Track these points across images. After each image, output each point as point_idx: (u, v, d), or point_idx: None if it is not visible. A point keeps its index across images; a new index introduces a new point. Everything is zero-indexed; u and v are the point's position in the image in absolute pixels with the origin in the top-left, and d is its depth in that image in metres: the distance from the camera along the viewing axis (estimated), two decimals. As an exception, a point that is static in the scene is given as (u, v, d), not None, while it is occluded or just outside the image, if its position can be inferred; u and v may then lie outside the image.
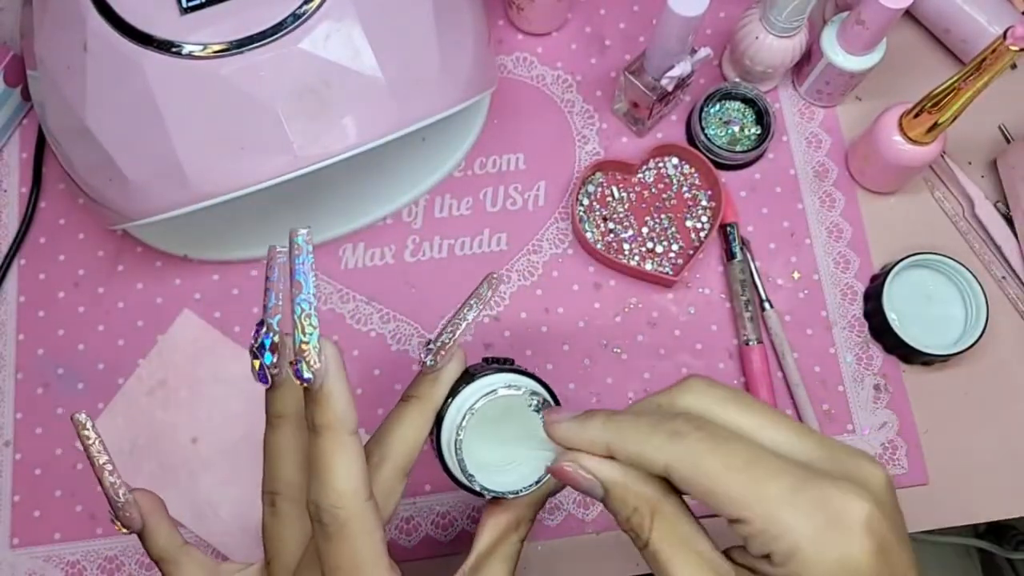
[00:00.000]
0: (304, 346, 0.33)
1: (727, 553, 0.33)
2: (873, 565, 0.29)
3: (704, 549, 0.32)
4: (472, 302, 0.38)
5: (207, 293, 0.62)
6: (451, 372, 0.39)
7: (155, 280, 0.62)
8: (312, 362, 0.32)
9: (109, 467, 0.35)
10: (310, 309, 0.34)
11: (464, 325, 0.38)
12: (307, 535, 0.37)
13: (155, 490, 0.59)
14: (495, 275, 0.38)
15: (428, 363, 0.38)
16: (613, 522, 0.58)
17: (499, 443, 0.41)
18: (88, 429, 0.34)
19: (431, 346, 0.39)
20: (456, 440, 0.39)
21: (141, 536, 0.37)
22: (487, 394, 0.38)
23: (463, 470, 0.39)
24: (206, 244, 0.61)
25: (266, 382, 0.35)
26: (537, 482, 0.40)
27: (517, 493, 0.40)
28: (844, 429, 0.60)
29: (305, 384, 0.32)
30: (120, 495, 0.36)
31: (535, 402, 0.39)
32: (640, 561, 0.58)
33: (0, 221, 0.62)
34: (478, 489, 0.39)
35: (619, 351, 0.61)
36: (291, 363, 0.33)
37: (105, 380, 0.60)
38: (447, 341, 0.38)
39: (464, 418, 0.39)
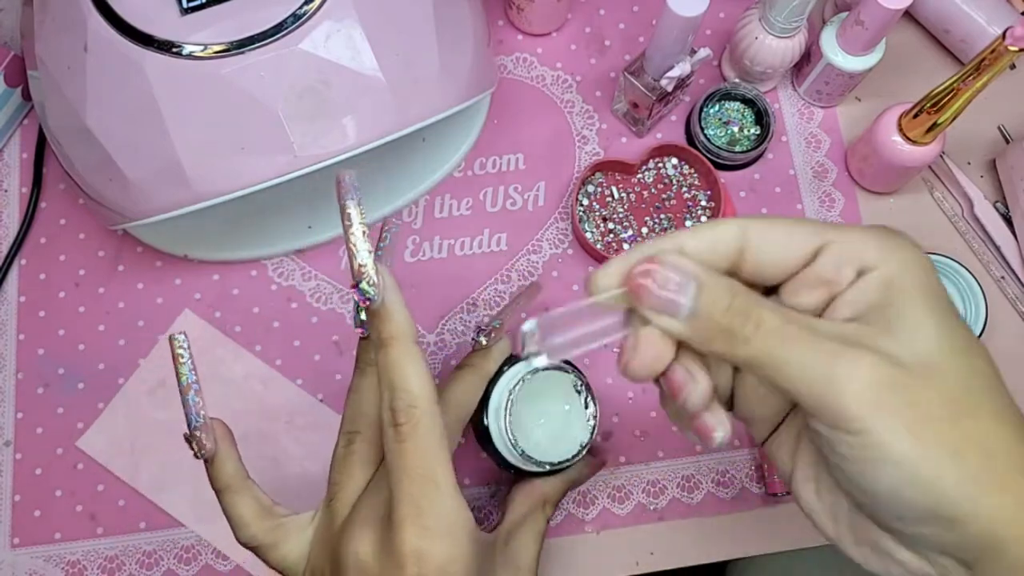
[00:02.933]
0: (361, 268, 0.35)
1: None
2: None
3: (814, 321, 0.28)
4: (520, 298, 0.45)
5: (207, 293, 0.62)
6: (501, 349, 0.45)
7: (155, 280, 0.62)
8: (370, 280, 0.35)
9: (196, 387, 0.38)
10: (362, 236, 0.37)
11: (511, 312, 0.45)
12: (372, 474, 0.39)
13: (155, 490, 0.59)
14: (537, 282, 0.43)
15: (482, 341, 0.45)
16: (612, 521, 0.58)
17: (540, 417, 0.48)
18: (183, 348, 0.38)
19: (484, 327, 0.46)
20: (508, 403, 0.45)
21: (209, 463, 0.39)
22: (535, 370, 0.45)
23: (510, 436, 0.45)
24: (206, 244, 0.61)
25: (363, 331, 0.40)
26: (572, 458, 0.46)
27: (554, 465, 0.46)
28: (843, 429, 0.60)
29: (368, 302, 0.35)
30: (200, 415, 0.39)
31: (578, 383, 0.45)
32: (640, 560, 0.58)
33: (0, 221, 0.63)
34: (519, 454, 0.46)
35: (618, 351, 0.61)
36: (352, 285, 0.36)
37: (105, 380, 0.60)
38: (497, 325, 0.44)
39: (517, 385, 0.45)
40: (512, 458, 0.47)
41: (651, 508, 0.59)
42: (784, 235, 0.28)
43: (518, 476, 0.51)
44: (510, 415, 0.46)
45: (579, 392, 0.47)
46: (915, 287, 0.27)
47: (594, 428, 0.48)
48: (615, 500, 0.59)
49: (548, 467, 0.46)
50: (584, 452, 0.48)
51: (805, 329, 0.27)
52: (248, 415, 0.59)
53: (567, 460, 0.46)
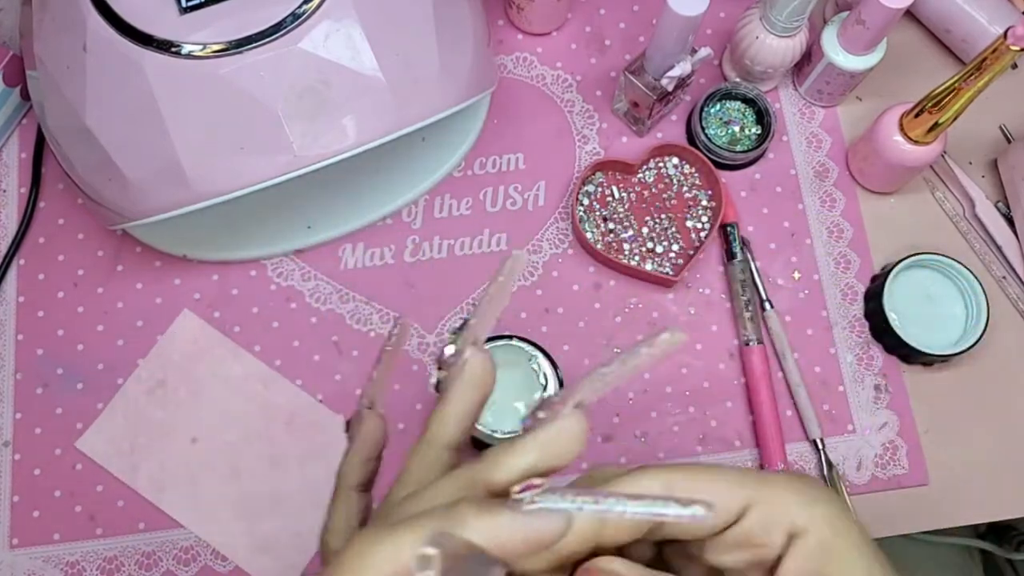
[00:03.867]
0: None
1: None
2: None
3: None
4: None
5: (207, 293, 0.61)
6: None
7: (155, 280, 0.62)
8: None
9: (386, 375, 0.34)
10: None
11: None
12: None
13: (155, 490, 0.59)
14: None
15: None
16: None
17: (496, 390, 0.42)
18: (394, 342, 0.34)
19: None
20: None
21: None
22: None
23: None
24: (206, 244, 0.61)
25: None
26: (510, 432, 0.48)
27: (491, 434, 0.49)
28: (844, 429, 0.60)
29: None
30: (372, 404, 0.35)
31: (532, 358, 0.45)
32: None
33: (-1, 221, 0.62)
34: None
35: (619, 351, 0.61)
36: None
37: (105, 380, 0.60)
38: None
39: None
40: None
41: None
42: (709, 494, 0.27)
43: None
44: None
45: (536, 370, 0.50)
46: (849, 547, 0.28)
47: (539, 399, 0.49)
48: (615, 501, 0.58)
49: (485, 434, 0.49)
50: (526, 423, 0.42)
51: None
52: (248, 415, 0.59)
53: (507, 432, 0.49)
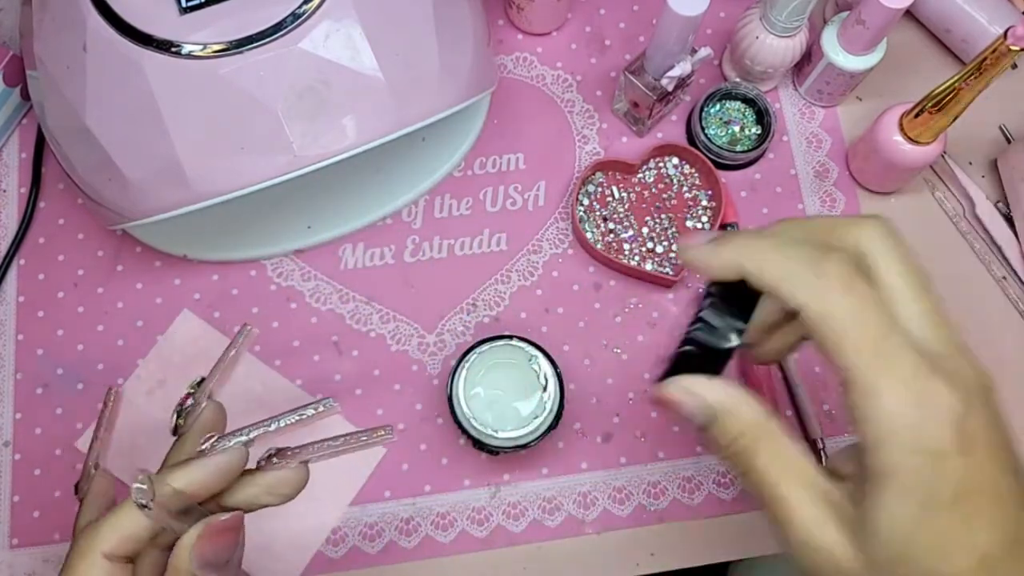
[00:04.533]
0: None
1: (831, 468, 0.33)
2: (959, 463, 0.29)
3: (811, 472, 0.31)
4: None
5: (207, 293, 0.61)
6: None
7: (155, 280, 0.62)
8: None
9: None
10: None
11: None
12: None
13: (154, 490, 0.58)
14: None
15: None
16: (613, 522, 0.58)
17: (497, 390, 0.52)
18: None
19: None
20: (463, 373, 0.51)
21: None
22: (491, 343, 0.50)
23: (465, 409, 0.50)
24: (206, 244, 0.61)
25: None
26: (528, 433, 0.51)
27: (507, 439, 0.51)
28: (845, 429, 0.60)
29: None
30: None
31: (533, 358, 0.47)
32: (640, 561, 0.58)
33: (0, 221, 0.63)
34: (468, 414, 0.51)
35: (619, 351, 0.61)
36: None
37: (105, 380, 0.60)
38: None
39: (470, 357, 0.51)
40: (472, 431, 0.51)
41: (652, 509, 0.58)
42: (835, 346, 0.30)
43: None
44: (463, 383, 0.50)
45: (536, 370, 0.52)
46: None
47: (551, 406, 0.52)
48: (616, 501, 0.58)
49: (500, 439, 0.51)
50: (540, 430, 0.52)
51: (800, 477, 0.32)
52: (248, 415, 0.59)
53: (523, 435, 0.51)
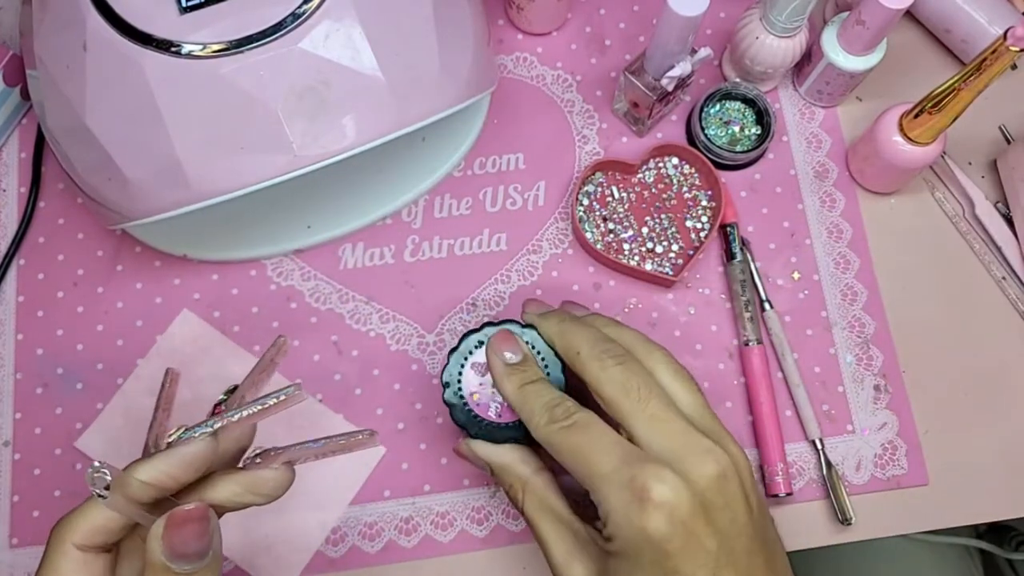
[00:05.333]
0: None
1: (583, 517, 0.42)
2: (675, 549, 0.35)
3: (563, 514, 0.42)
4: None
5: (206, 293, 0.61)
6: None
7: (154, 280, 0.62)
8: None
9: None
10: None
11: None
12: None
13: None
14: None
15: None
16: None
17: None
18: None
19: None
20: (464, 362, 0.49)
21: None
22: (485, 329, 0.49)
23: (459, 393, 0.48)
24: (206, 244, 0.61)
25: None
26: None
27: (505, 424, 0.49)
28: (844, 430, 0.60)
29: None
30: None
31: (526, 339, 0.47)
32: None
33: (-1, 221, 0.62)
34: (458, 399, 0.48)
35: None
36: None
37: (104, 380, 0.60)
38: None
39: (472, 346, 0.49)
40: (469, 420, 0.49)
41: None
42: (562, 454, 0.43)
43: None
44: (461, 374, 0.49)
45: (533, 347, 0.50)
46: None
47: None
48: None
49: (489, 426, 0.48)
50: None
51: (553, 516, 0.43)
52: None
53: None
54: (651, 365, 0.42)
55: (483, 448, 0.45)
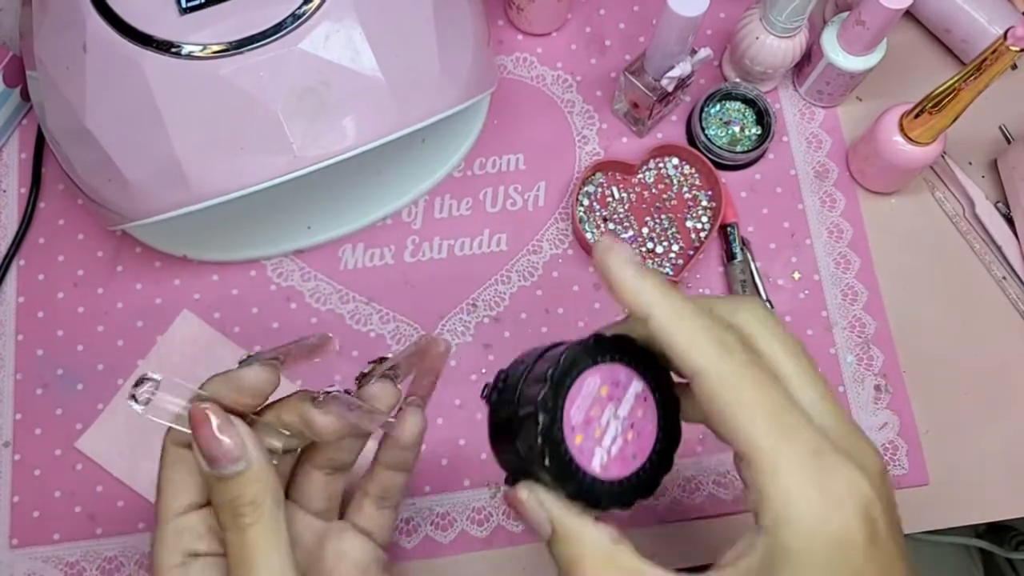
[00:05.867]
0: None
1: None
2: (863, 551, 0.28)
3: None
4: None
5: (206, 294, 0.61)
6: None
7: (154, 281, 0.62)
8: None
9: None
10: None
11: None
12: None
13: (154, 491, 0.59)
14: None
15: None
16: (617, 524, 0.58)
17: None
18: None
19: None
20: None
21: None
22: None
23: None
24: (206, 244, 0.61)
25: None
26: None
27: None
28: (844, 430, 0.60)
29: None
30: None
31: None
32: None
33: (-1, 221, 0.62)
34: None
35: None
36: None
37: (105, 380, 0.59)
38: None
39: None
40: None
41: (652, 510, 0.58)
42: (731, 420, 0.30)
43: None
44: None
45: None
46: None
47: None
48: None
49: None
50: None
51: None
52: (247, 416, 0.59)
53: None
54: (748, 327, 0.31)
55: (555, 505, 0.30)
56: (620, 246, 0.31)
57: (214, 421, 0.33)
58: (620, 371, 0.32)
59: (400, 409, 0.40)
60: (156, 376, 0.34)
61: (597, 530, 0.30)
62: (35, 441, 0.59)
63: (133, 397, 0.34)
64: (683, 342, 0.29)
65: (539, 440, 0.29)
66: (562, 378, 0.30)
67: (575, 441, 0.30)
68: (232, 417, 0.34)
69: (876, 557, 0.28)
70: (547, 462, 0.29)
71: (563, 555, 0.30)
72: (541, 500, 0.31)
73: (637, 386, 0.32)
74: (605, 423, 0.30)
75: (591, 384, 0.31)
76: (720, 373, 0.28)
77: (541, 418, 0.29)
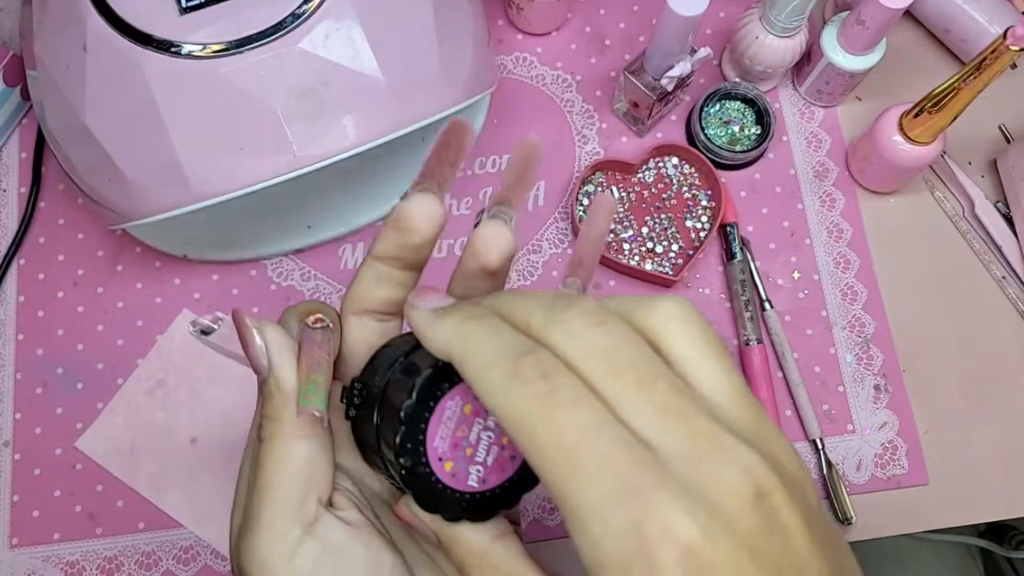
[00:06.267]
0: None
1: None
2: None
3: None
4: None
5: (207, 293, 0.61)
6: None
7: (154, 280, 0.62)
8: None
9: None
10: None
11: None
12: None
13: (154, 490, 0.59)
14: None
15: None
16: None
17: None
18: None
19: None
20: None
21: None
22: None
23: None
24: (205, 244, 0.61)
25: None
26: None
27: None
28: (844, 429, 0.60)
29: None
30: None
31: None
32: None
33: (-1, 221, 0.63)
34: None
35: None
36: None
37: (104, 380, 0.60)
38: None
39: None
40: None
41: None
42: (534, 463, 0.23)
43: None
44: None
45: None
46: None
47: None
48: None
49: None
50: None
51: None
52: (247, 415, 0.59)
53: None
54: (654, 327, 0.25)
55: (427, 516, 0.28)
56: (418, 299, 0.28)
57: (249, 322, 0.32)
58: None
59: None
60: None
61: (474, 530, 0.28)
62: (35, 440, 0.59)
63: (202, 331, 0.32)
64: (478, 385, 0.24)
65: (406, 484, 0.28)
66: (417, 416, 0.27)
67: (445, 470, 0.28)
68: (269, 324, 0.32)
69: None
70: (420, 502, 0.28)
71: (452, 560, 0.29)
72: (415, 513, 0.28)
73: None
74: (475, 440, 0.28)
75: (452, 408, 0.28)
76: (507, 405, 0.23)
77: (403, 461, 0.27)
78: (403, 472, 0.27)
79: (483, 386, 0.24)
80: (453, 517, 0.28)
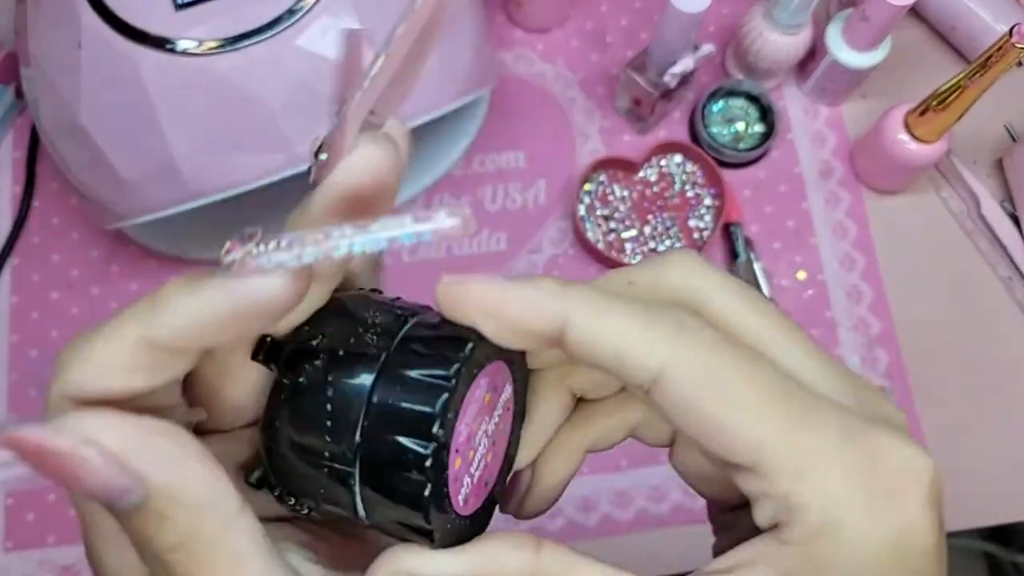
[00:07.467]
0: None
1: None
2: (933, 546, 0.21)
3: None
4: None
5: (203, 293, 0.61)
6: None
7: (150, 280, 0.61)
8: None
9: None
10: None
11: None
12: None
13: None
14: None
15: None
16: (615, 527, 0.57)
17: None
18: None
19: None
20: None
21: None
22: None
23: None
24: (201, 243, 0.60)
25: None
26: None
27: None
28: (849, 431, 0.59)
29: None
30: None
31: None
32: (647, 565, 0.57)
33: (-7, 220, 0.62)
34: None
35: None
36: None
37: (99, 382, 0.59)
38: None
39: None
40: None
41: (654, 513, 0.58)
42: (716, 423, 0.20)
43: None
44: None
45: None
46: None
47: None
48: (617, 506, 0.58)
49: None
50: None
51: None
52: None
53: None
54: (689, 286, 0.22)
55: (449, 564, 0.21)
56: (469, 276, 0.21)
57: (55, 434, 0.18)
58: (501, 370, 0.22)
59: None
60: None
61: (506, 543, 0.22)
62: (29, 443, 0.58)
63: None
64: (625, 344, 0.19)
65: (424, 494, 0.19)
66: (467, 378, 0.20)
67: (455, 466, 0.20)
68: (96, 413, 0.19)
69: (943, 555, 0.22)
70: (428, 522, 0.20)
71: None
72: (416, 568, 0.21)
73: (508, 390, 0.23)
74: (478, 441, 0.21)
75: (481, 389, 0.21)
76: (686, 367, 0.19)
77: (435, 432, 0.19)
78: (428, 469, 0.19)
79: (640, 345, 0.19)
80: (440, 543, 0.21)
